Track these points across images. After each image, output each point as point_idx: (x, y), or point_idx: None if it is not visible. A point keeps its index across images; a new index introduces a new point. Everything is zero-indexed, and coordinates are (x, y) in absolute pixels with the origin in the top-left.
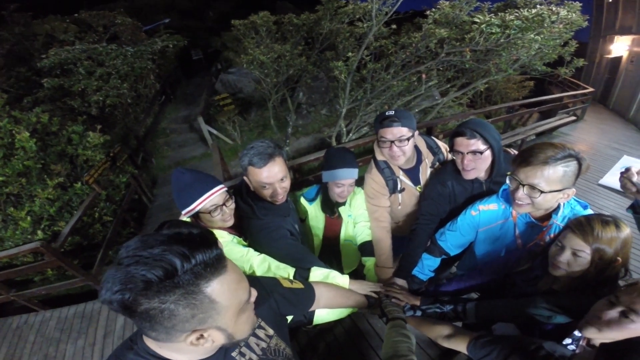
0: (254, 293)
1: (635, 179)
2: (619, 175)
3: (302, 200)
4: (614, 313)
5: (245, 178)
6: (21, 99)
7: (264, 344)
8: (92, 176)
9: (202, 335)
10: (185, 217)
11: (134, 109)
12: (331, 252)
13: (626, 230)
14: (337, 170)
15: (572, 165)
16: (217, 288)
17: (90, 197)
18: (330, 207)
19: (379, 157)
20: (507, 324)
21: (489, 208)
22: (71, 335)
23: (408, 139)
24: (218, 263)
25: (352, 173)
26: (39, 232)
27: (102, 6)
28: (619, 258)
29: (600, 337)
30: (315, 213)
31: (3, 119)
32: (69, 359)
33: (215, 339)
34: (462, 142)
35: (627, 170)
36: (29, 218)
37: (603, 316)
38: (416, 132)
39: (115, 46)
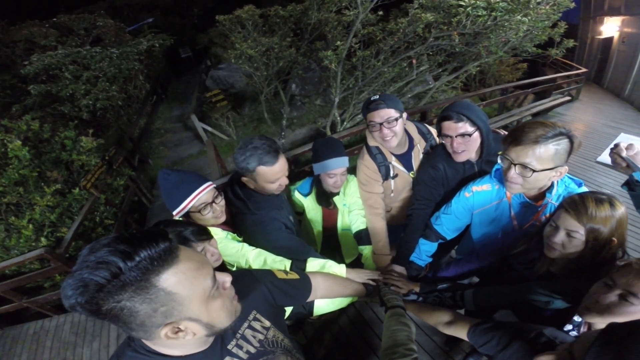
0: (227, 279)
1: (624, 154)
2: (620, 146)
3: (297, 195)
4: (612, 297)
5: (241, 172)
6: (9, 108)
7: (260, 336)
8: (89, 181)
9: (179, 329)
10: (177, 218)
11: (126, 111)
12: (331, 243)
13: (621, 209)
14: (327, 161)
15: (564, 143)
16: (171, 279)
17: (89, 201)
18: (326, 199)
19: (371, 142)
20: (508, 313)
21: (482, 189)
22: (86, 339)
23: (396, 119)
24: (167, 255)
25: (342, 162)
26: (43, 239)
27: (80, 9)
28: (614, 238)
29: (602, 322)
30: (312, 206)
31: None
32: None
33: (195, 331)
34: (449, 126)
35: (616, 146)
36: (30, 226)
37: (602, 300)
38: (405, 114)
39: (100, 49)
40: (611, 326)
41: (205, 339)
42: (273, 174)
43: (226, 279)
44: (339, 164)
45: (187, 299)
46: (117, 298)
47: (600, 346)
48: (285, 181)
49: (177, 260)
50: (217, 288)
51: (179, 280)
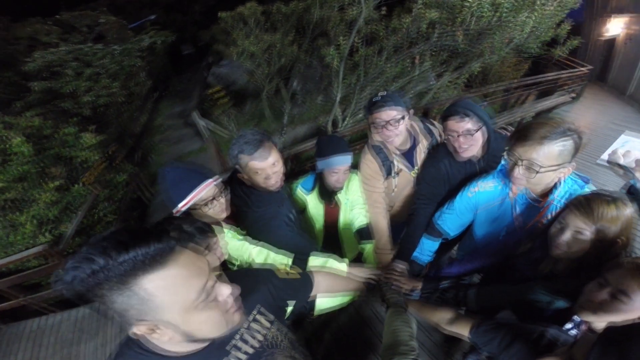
0: (225, 291)
1: (621, 161)
2: (617, 153)
3: (299, 192)
4: (604, 295)
5: (237, 168)
6: (11, 104)
7: (260, 336)
8: (90, 177)
9: (156, 327)
10: (178, 215)
11: (128, 108)
12: (333, 239)
13: (628, 209)
14: (330, 158)
15: (570, 141)
16: (150, 284)
17: (90, 198)
18: (329, 195)
19: (374, 140)
20: (508, 313)
21: (486, 187)
22: (85, 336)
23: (400, 119)
24: (155, 258)
25: (346, 159)
26: (43, 235)
27: (83, 6)
28: (619, 239)
29: (596, 319)
30: (314, 203)
31: None
32: (85, 359)
33: (170, 336)
34: (453, 124)
35: (614, 153)
36: (31, 222)
37: (595, 299)
38: (411, 111)
39: (102, 46)
40: (609, 330)
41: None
42: (253, 164)
43: (224, 291)
44: (343, 161)
45: (164, 306)
46: (96, 292)
47: (601, 350)
48: (272, 176)
49: (165, 265)
50: (209, 300)
51: (158, 287)
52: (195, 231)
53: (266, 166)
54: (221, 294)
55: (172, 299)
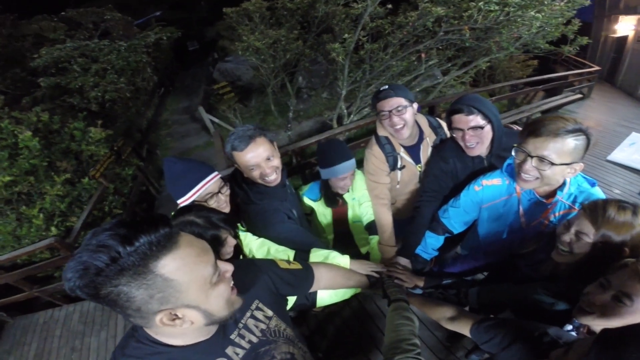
0: (228, 268)
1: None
2: (627, 151)
3: (306, 200)
4: (606, 297)
5: (236, 165)
6: (20, 100)
7: (263, 326)
8: (98, 170)
9: (175, 316)
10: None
11: (134, 103)
12: (344, 236)
13: None
14: (336, 167)
15: (582, 139)
16: (169, 265)
17: (98, 191)
18: (334, 201)
19: (381, 132)
20: (509, 314)
21: (492, 183)
22: (94, 328)
23: (406, 107)
24: (166, 241)
25: (351, 165)
26: (53, 228)
27: (88, 3)
28: (624, 249)
29: (596, 323)
30: (321, 210)
31: (4, 120)
32: (94, 350)
33: (193, 319)
34: (460, 119)
35: None
36: (41, 215)
37: (596, 301)
38: (415, 104)
39: (108, 42)
40: (606, 333)
41: (206, 328)
42: (245, 160)
43: (227, 268)
44: (348, 168)
45: (185, 286)
46: (114, 282)
47: (597, 355)
48: (268, 171)
49: (176, 246)
50: (218, 275)
51: (177, 267)
52: (220, 221)
53: (260, 161)
54: (227, 271)
55: (191, 277)
